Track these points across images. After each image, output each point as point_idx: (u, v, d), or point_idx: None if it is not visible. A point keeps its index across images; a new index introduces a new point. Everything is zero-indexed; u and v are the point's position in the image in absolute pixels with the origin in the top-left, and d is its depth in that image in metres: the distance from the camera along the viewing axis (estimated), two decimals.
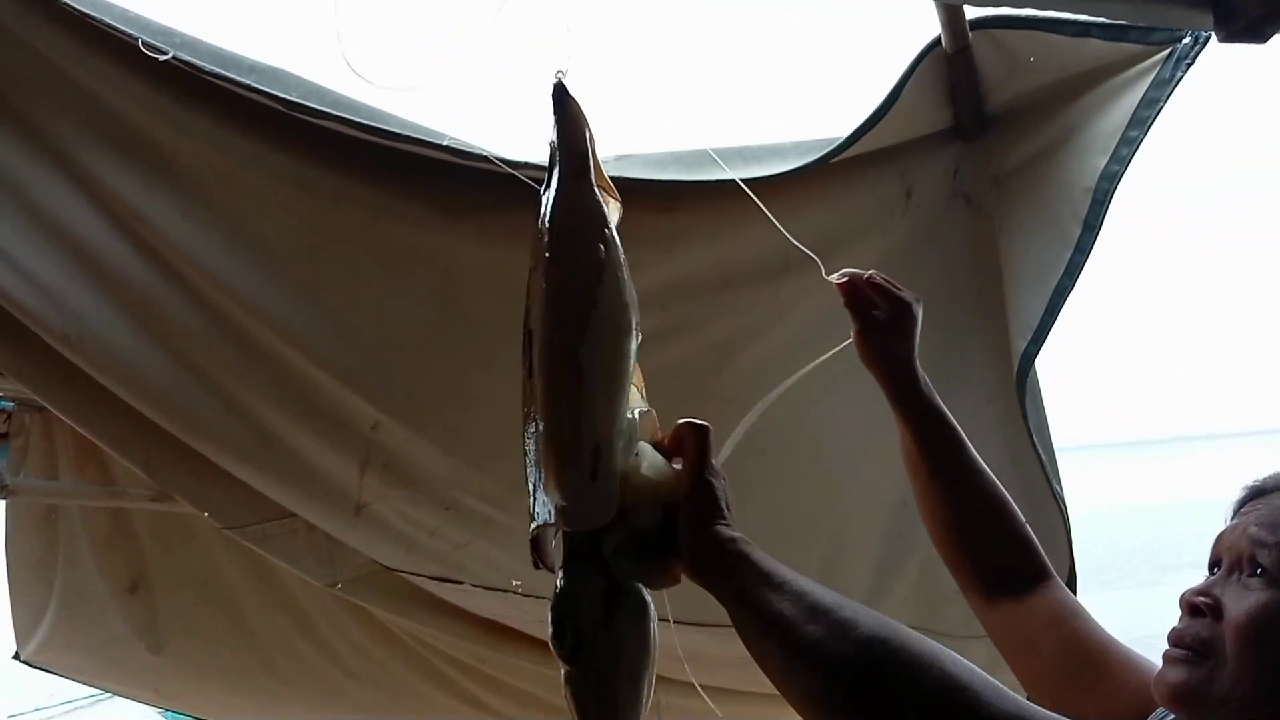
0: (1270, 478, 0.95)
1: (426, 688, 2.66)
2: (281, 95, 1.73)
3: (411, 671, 2.63)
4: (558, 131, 1.01)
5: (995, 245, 2.00)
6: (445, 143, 1.74)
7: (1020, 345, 1.92)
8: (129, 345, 1.93)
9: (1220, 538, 0.94)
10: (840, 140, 1.84)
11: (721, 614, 0.93)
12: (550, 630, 0.96)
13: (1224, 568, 0.92)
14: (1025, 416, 1.99)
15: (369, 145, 1.79)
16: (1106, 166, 1.73)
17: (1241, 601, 0.87)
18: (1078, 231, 1.79)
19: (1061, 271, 1.83)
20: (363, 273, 1.84)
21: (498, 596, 2.16)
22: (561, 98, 1.01)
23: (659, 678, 2.66)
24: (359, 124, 1.73)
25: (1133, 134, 1.70)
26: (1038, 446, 2.04)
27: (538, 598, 2.12)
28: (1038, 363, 2.05)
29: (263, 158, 1.80)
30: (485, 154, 1.67)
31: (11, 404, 2.89)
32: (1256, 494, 0.94)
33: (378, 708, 2.79)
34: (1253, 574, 0.88)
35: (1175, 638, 0.91)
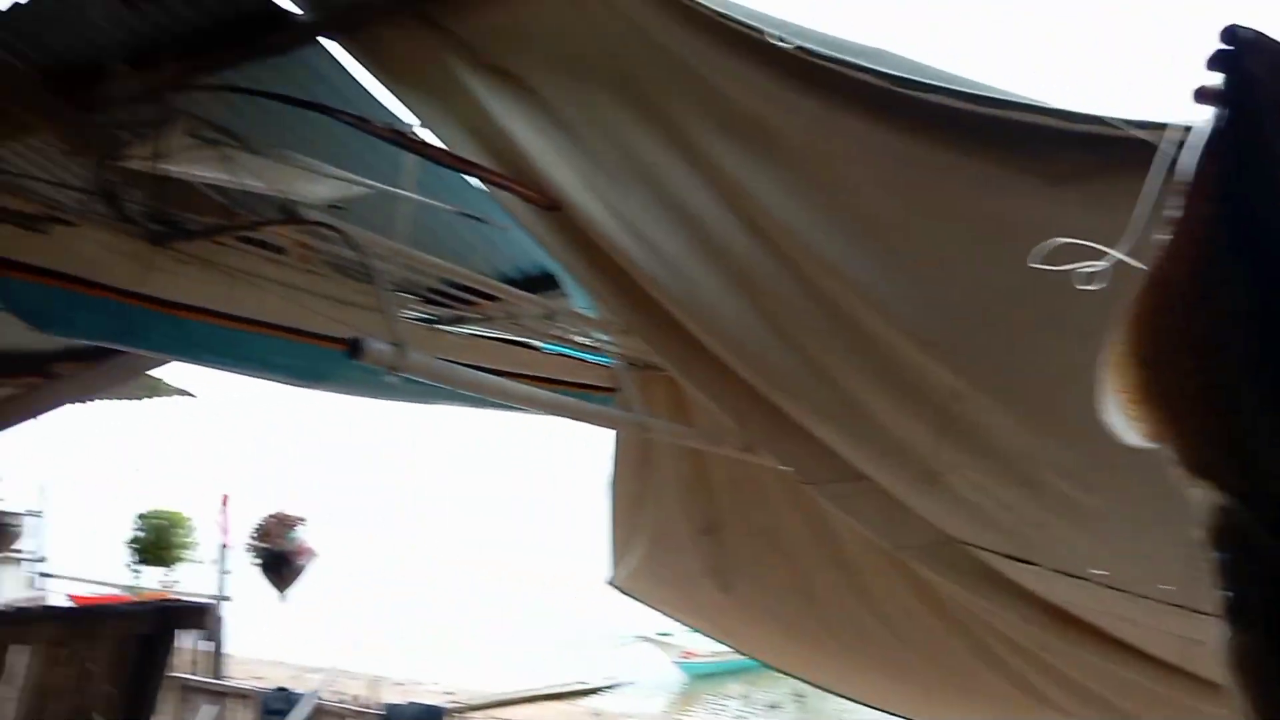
0: None
1: (977, 665, 2.63)
2: (889, 72, 1.81)
3: (963, 646, 2.62)
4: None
5: None
6: (1052, 107, 1.69)
7: None
8: (732, 310, 2.16)
9: None
10: None
11: None
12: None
13: None
14: None
15: (969, 116, 1.79)
16: None
17: None
18: None
19: None
20: (956, 243, 1.86)
21: (1074, 584, 2.06)
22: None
23: None
24: (965, 95, 1.74)
25: None
26: None
27: (1121, 591, 1.99)
28: None
29: (865, 135, 1.89)
30: (1102, 118, 1.58)
31: (613, 361, 3.38)
32: None
33: (922, 676, 2.83)
34: None
35: None
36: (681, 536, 3.10)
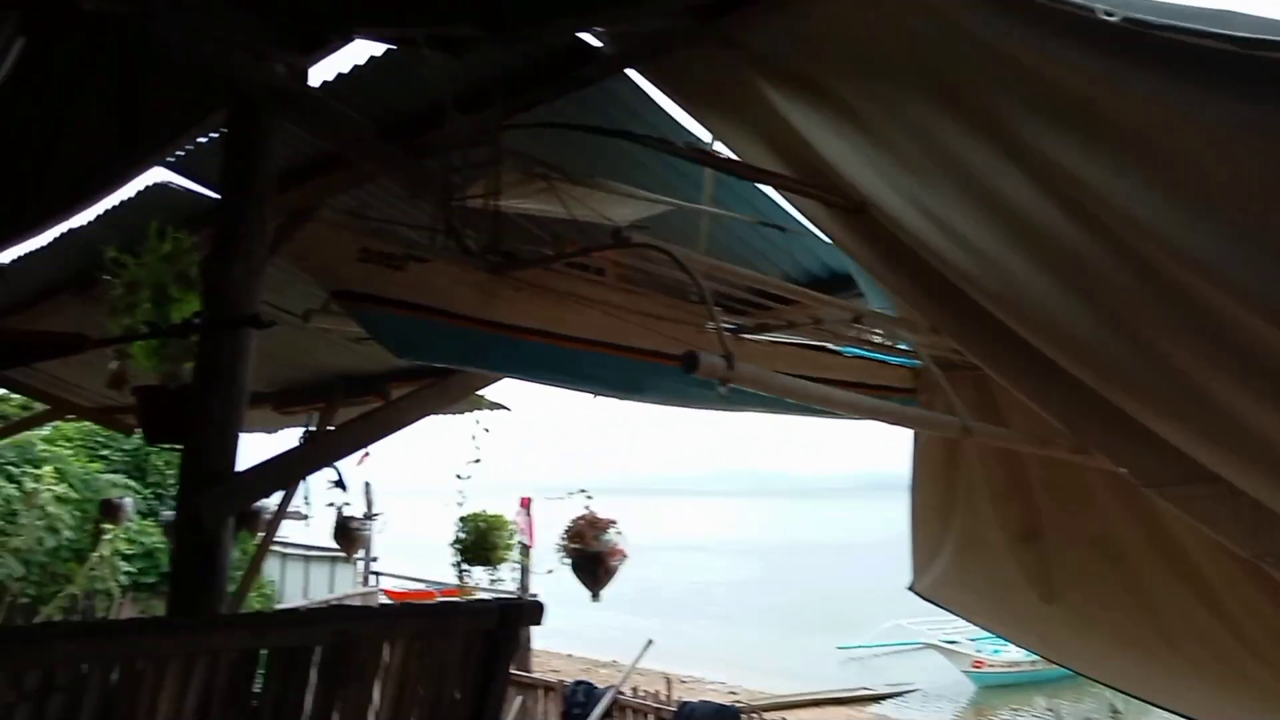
0: None
1: None
2: (1233, 34, 1.65)
3: None
4: None
5: None
6: None
7: None
8: (1055, 302, 2.05)
9: None
10: None
11: None
12: None
13: None
14: None
15: None
16: None
17: None
18: None
19: None
20: None
21: None
22: None
23: None
24: None
25: None
26: None
27: None
28: None
29: (1209, 105, 1.74)
30: None
31: (917, 362, 3.29)
32: None
33: None
34: None
35: None
36: (995, 543, 2.97)
